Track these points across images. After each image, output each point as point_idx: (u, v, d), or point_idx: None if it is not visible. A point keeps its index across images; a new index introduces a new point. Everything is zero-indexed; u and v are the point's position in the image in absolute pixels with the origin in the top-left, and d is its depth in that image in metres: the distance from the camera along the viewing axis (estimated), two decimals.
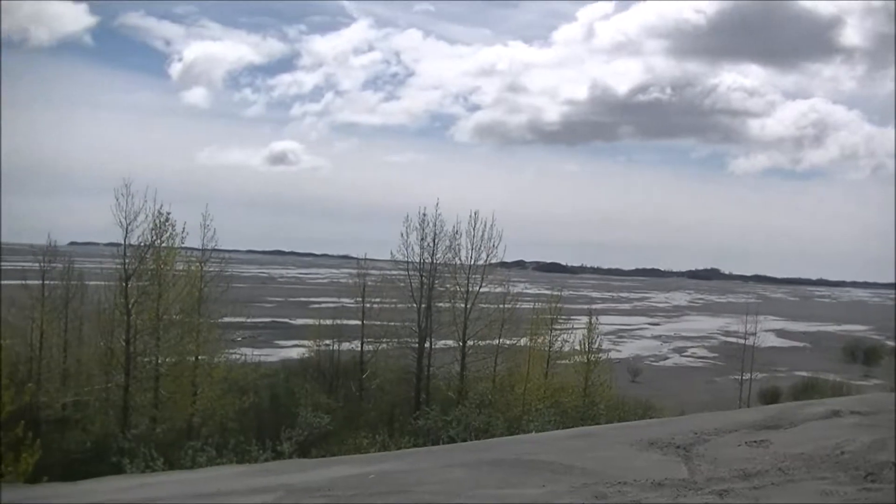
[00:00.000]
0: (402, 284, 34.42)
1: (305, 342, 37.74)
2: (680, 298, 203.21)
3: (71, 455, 22.64)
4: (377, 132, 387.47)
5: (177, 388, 25.89)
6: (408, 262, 33.83)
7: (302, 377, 34.29)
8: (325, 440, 25.80)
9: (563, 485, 7.36)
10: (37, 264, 26.98)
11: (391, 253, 34.28)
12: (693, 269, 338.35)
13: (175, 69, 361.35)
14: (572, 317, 43.23)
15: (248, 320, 38.85)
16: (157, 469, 19.59)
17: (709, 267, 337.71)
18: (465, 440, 22.42)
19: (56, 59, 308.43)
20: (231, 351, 30.38)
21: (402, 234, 33.46)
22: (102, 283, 28.15)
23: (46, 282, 26.90)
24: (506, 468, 8.54)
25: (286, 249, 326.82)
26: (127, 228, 25.48)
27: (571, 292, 43.56)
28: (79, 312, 27.60)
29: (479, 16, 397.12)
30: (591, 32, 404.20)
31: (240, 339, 36.21)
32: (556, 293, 39.19)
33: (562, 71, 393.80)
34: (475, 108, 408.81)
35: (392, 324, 35.16)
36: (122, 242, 25.92)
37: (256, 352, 39.83)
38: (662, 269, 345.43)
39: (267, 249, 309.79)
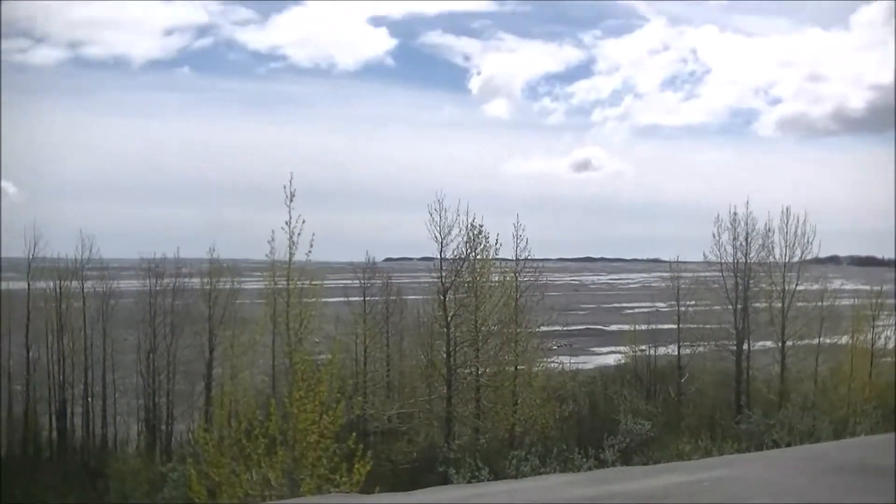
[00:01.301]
0: (715, 286, 35.01)
1: (621, 348, 38.57)
2: None
3: (399, 465, 24.28)
4: (678, 132, 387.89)
5: (497, 398, 26.93)
6: (721, 263, 34.40)
7: (619, 383, 35.32)
8: (647, 446, 26.13)
9: None
10: (357, 281, 29.46)
11: (703, 254, 35.04)
12: None
13: (475, 83, 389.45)
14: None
15: (564, 328, 39.93)
16: (482, 479, 20.32)
17: None
18: (789, 444, 22.14)
19: (361, 81, 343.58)
20: (548, 359, 31.24)
21: (713, 235, 34.05)
22: (420, 297, 30.07)
23: (367, 298, 29.29)
24: (850, 475, 7.58)
25: (595, 256, 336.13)
26: (442, 242, 27.08)
27: (889, 286, 41.28)
28: (399, 326, 29.72)
29: (774, 6, 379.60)
30: (892, 12, 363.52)
31: (556, 347, 37.14)
32: (875, 288, 39.14)
33: (865, 54, 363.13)
34: (776, 101, 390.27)
35: (708, 326, 35.58)
36: (437, 256, 27.56)
37: (573, 359, 40.76)
38: None
39: (577, 256, 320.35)
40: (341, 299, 31.00)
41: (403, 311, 30.52)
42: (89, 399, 36.89)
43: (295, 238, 22.19)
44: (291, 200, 21.27)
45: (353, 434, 22.45)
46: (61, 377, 36.52)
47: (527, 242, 29.14)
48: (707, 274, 35.91)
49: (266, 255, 25.72)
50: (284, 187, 20.91)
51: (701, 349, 35.68)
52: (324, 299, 30.61)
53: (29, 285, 37.09)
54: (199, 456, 18.00)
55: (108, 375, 36.82)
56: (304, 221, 21.15)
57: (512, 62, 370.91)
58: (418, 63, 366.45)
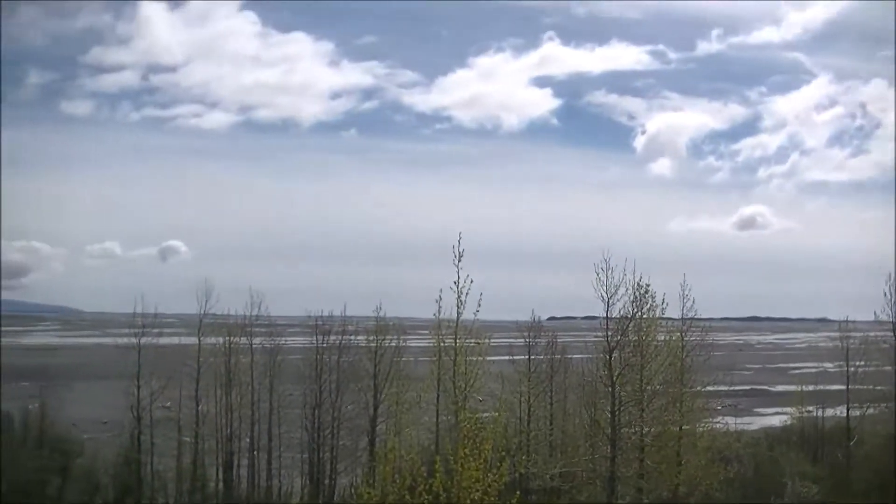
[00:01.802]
0: (886, 345, 35.06)
1: (787, 409, 39.23)
2: None
3: None
4: (846, 188, 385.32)
5: (661, 458, 28.83)
6: (893, 322, 34.33)
7: (785, 445, 36.04)
8: None
9: None
10: (522, 340, 32.47)
11: (874, 314, 35.00)
12: None
13: (639, 142, 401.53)
14: None
15: (729, 388, 41.34)
16: None
17: None
18: None
19: (525, 141, 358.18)
20: (713, 420, 32.88)
21: (884, 294, 34.11)
22: (584, 356, 32.64)
23: (532, 357, 32.19)
24: None
25: (761, 315, 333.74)
26: (609, 301, 29.42)
27: None
28: (563, 385, 32.34)
29: None
30: None
31: (720, 407, 38.52)
32: None
33: None
34: None
35: (878, 388, 35.89)
36: (602, 315, 29.73)
37: (738, 420, 42.00)
38: None
39: (742, 316, 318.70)
40: (506, 358, 34.00)
41: (567, 369, 33.15)
42: (255, 452, 41.13)
43: (463, 297, 25.12)
44: (460, 260, 24.30)
45: (517, 493, 25.20)
46: (229, 430, 40.78)
47: (693, 302, 31.07)
48: (878, 333, 36.00)
49: (433, 314, 28.83)
50: (453, 247, 23.82)
51: (871, 411, 35.97)
52: (489, 357, 33.72)
53: (200, 340, 41.48)
54: None
55: (273, 429, 41.05)
56: (472, 281, 24.11)
57: (676, 120, 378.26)
58: (583, 123, 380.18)
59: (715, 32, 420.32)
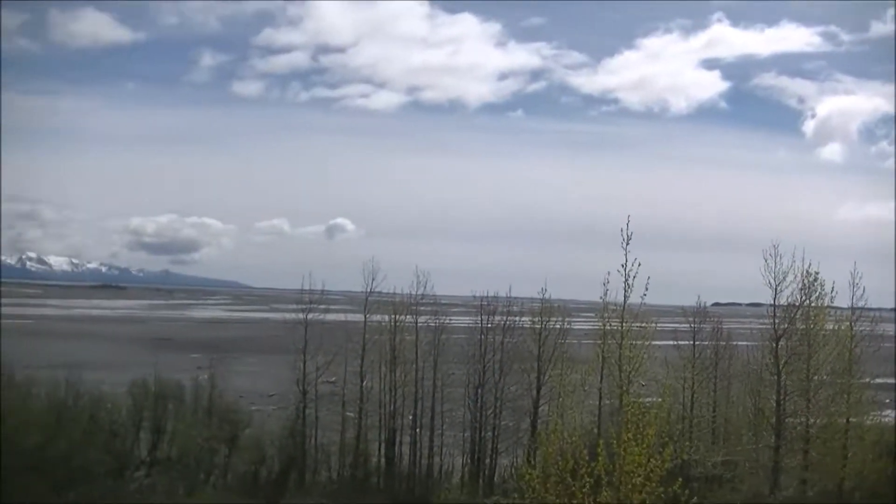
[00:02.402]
0: None
1: None
2: None
3: None
4: None
5: (827, 450, 30.49)
6: None
7: None
8: None
9: None
10: (687, 325, 35.08)
11: None
12: None
13: (808, 126, 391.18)
14: None
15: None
16: None
17: None
18: None
19: (693, 124, 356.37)
20: (882, 413, 34.22)
21: None
22: (748, 343, 34.89)
23: (696, 342, 34.70)
24: None
25: None
26: (776, 289, 31.48)
27: None
28: (727, 373, 34.65)
29: None
30: None
31: (888, 400, 39.31)
32: None
33: None
34: None
35: None
36: (769, 303, 31.97)
37: None
38: None
39: None
40: (670, 343, 36.64)
41: (732, 357, 35.44)
42: (418, 429, 44.83)
43: (630, 281, 27.71)
44: (628, 243, 26.76)
45: (679, 479, 27.62)
46: (392, 407, 44.70)
47: (863, 291, 32.41)
48: None
49: (600, 297, 31.63)
50: (621, 230, 26.16)
51: None
52: (653, 342, 36.40)
53: (366, 318, 45.89)
54: (523, 491, 20.43)
55: (436, 407, 44.70)
56: (639, 265, 26.59)
57: (848, 104, 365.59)
58: (751, 106, 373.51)
59: (890, 12, 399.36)
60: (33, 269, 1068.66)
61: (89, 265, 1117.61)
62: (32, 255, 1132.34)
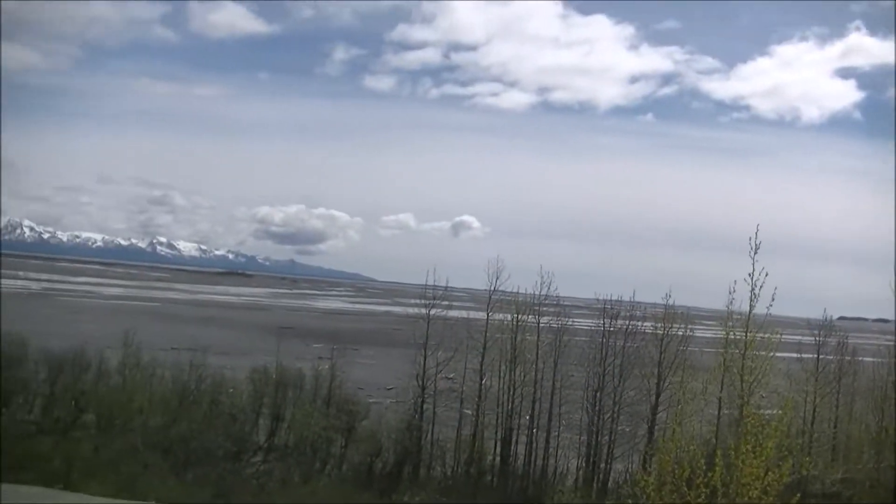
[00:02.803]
0: None
1: None
2: None
3: None
4: None
5: None
6: None
7: None
8: None
9: None
10: (811, 338, 35.74)
11: None
12: None
13: None
14: None
15: None
16: None
17: None
18: None
19: (825, 134, 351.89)
20: None
21: None
22: (874, 359, 35.41)
23: (820, 356, 35.41)
24: None
25: None
26: None
27: None
28: (850, 388, 35.22)
29: None
30: None
31: None
32: None
33: None
34: None
35: None
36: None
37: None
38: None
39: None
40: (794, 355, 37.31)
41: (857, 372, 35.96)
42: (534, 430, 46.26)
43: (757, 290, 28.54)
44: (756, 252, 27.54)
45: (797, 495, 28.27)
46: (509, 406, 46.21)
47: None
48: None
49: (724, 305, 32.56)
50: (749, 238, 26.86)
51: None
52: (777, 354, 37.10)
53: (488, 316, 47.65)
54: (637, 497, 20.57)
55: (554, 409, 46.00)
56: (766, 274, 27.42)
57: None
58: (887, 117, 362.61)
59: None
60: (163, 253, 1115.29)
61: (217, 252, 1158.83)
62: (163, 239, 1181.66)
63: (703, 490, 18.37)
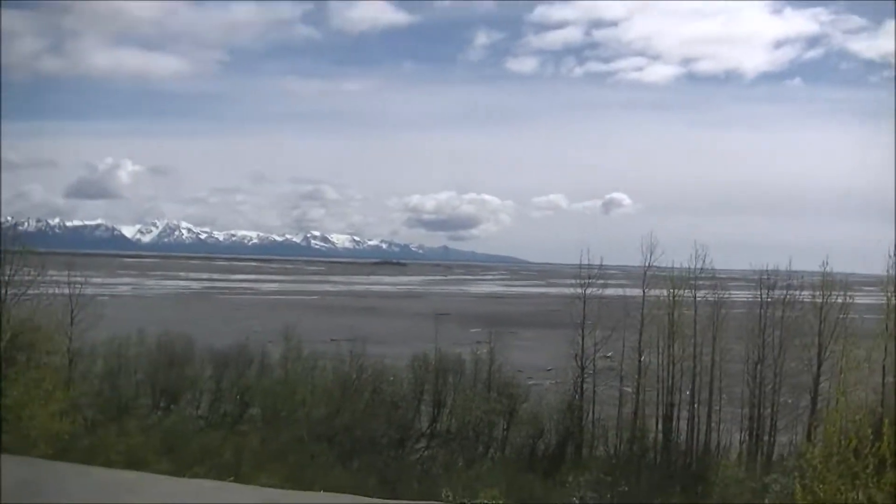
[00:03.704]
0: None
1: None
2: None
3: None
4: None
5: None
6: None
7: None
8: None
9: None
10: None
11: None
12: None
13: None
14: None
15: None
16: None
17: None
18: None
19: None
20: None
21: None
22: None
23: None
24: None
25: None
26: None
27: None
28: None
29: None
30: None
31: None
32: None
33: None
34: None
35: None
36: None
37: None
38: None
39: None
40: None
41: None
42: (695, 405, 46.86)
43: None
44: None
45: None
46: (670, 382, 46.95)
47: None
48: None
49: (886, 271, 32.80)
50: None
51: None
52: None
53: (644, 293, 48.59)
54: (803, 470, 19.79)
55: (714, 383, 46.63)
56: None
57: None
58: None
59: None
60: (317, 246, 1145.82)
61: (370, 242, 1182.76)
62: (316, 233, 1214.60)
63: (872, 460, 17.93)
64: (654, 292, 49.20)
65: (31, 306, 34.97)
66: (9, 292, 33.22)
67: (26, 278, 34.01)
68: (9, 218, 51.99)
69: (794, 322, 45.29)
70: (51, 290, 41.36)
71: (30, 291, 34.78)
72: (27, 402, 31.06)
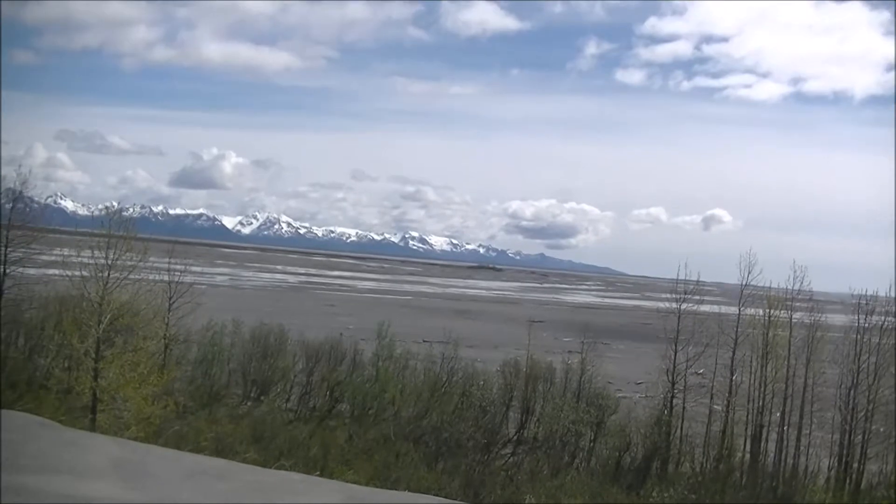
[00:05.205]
0: None
1: None
2: None
3: None
4: None
5: None
6: None
7: None
8: None
9: None
10: None
11: None
12: None
13: None
14: None
15: None
16: None
17: None
18: None
19: None
20: None
21: None
22: None
23: None
24: None
25: None
26: None
27: None
28: None
29: None
30: None
31: None
32: None
33: None
34: None
35: None
36: None
37: None
38: None
39: None
40: None
41: None
42: (785, 427, 46.83)
43: None
44: None
45: None
46: (760, 402, 46.86)
47: None
48: None
49: None
50: None
51: None
52: None
53: (740, 311, 48.59)
54: (893, 499, 23.27)
55: (805, 406, 46.52)
56: None
57: None
58: None
59: None
60: (415, 247, 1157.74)
61: (468, 246, 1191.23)
62: (415, 234, 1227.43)
63: None
64: (750, 311, 48.96)
65: (132, 290, 36.66)
66: (111, 275, 34.88)
67: (129, 263, 35.69)
68: (115, 203, 54.25)
69: (891, 349, 45.02)
70: (151, 276, 43.13)
71: (131, 276, 36.46)
72: (122, 385, 32.82)
